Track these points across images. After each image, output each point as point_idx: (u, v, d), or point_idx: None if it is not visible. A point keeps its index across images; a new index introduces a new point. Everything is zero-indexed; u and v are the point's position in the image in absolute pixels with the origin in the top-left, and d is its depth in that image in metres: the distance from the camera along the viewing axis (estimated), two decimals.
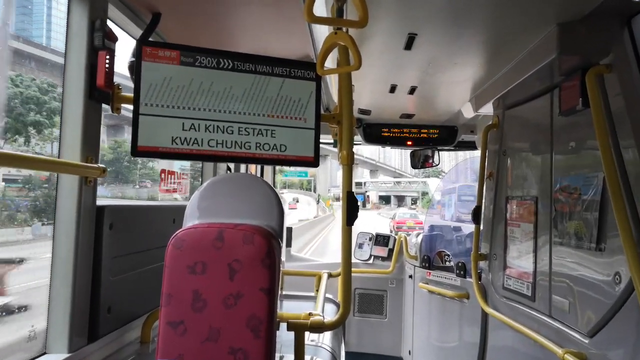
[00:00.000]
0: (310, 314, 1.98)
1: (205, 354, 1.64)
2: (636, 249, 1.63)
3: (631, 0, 1.76)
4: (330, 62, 2.25)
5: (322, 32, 2.07)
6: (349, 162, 1.92)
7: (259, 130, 2.07)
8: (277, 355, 2.04)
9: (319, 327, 1.92)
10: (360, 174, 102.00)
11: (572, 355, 1.96)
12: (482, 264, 3.18)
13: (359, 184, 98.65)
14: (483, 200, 3.21)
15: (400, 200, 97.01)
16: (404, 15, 1.95)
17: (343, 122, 1.98)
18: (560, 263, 2.25)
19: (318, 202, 61.48)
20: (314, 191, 71.11)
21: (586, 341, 1.98)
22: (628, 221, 1.67)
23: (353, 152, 1.94)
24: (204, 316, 1.66)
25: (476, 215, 3.22)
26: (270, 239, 1.73)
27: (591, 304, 1.98)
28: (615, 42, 1.86)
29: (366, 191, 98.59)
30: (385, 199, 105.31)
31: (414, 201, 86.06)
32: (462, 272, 3.66)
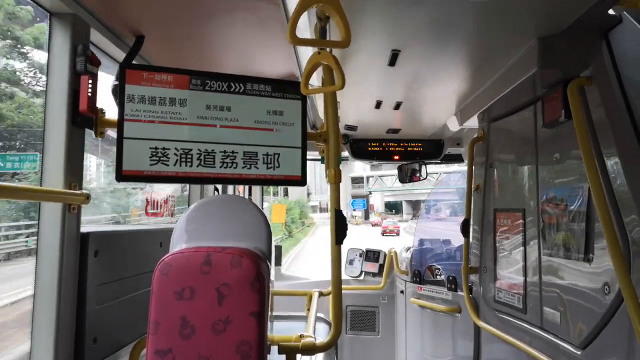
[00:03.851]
0: (301, 336, 1.95)
1: None
2: (623, 258, 1.64)
3: (608, 14, 1.80)
4: (317, 79, 2.26)
5: (307, 50, 2.08)
6: (336, 181, 1.91)
7: (246, 151, 2.06)
8: None
9: (310, 349, 1.89)
10: (358, 168, 68.77)
11: None
12: (473, 277, 3.18)
13: (358, 181, 71.95)
14: (471, 213, 3.22)
15: (415, 207, 64.85)
16: (387, 32, 1.97)
17: (329, 141, 1.98)
18: (550, 274, 2.25)
19: None
20: (286, 196, 51.22)
21: (578, 353, 1.97)
22: (614, 231, 1.68)
23: (340, 170, 1.93)
24: (193, 343, 1.62)
25: (465, 228, 3.22)
26: (259, 262, 1.71)
27: (582, 315, 1.98)
28: (594, 55, 1.89)
29: (370, 192, 71.01)
30: (393, 207, 74.72)
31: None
32: (453, 286, 3.66)
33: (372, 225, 52.52)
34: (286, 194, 52.06)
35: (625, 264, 1.63)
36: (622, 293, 1.61)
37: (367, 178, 71.02)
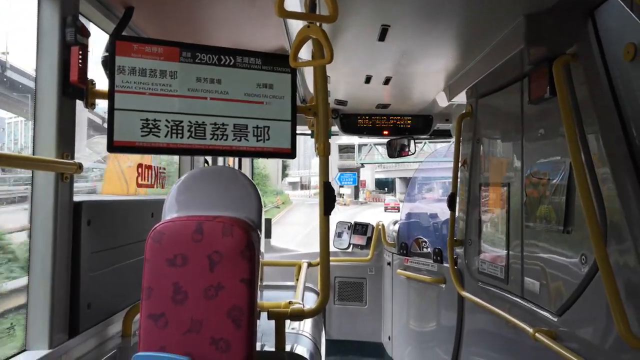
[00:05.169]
0: (290, 303, 2.02)
1: (187, 345, 1.67)
2: (600, 231, 1.71)
3: None
4: (307, 53, 2.27)
5: (297, 24, 2.09)
6: (325, 154, 1.95)
7: (236, 123, 2.09)
8: (259, 344, 2.07)
9: (299, 315, 1.97)
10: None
11: (542, 333, 2.04)
12: (458, 249, 3.27)
13: (347, 150, 59.49)
14: (458, 187, 3.28)
15: None
16: (376, 7, 1.98)
17: (319, 114, 2.01)
18: (532, 246, 2.33)
19: None
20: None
21: (555, 319, 2.07)
22: (592, 204, 1.74)
23: (329, 144, 1.97)
24: (185, 308, 1.68)
25: (451, 202, 3.29)
26: (250, 231, 1.76)
27: (560, 284, 2.06)
28: (579, 33, 1.92)
29: (362, 165, 58.87)
30: (384, 185, 65.70)
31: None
32: (438, 258, 3.75)
33: (387, 208, 39.44)
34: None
35: (601, 236, 1.70)
36: (597, 263, 1.68)
37: (359, 147, 58.02)
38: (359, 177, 52.79)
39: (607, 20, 1.84)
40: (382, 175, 64.27)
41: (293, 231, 22.07)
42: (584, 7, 1.89)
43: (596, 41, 1.85)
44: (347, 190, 52.65)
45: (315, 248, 1.97)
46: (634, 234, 1.64)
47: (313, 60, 1.87)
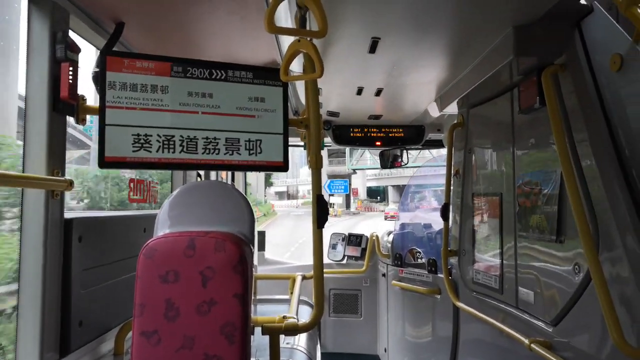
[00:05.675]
0: (284, 317, 2.00)
1: None
2: (592, 239, 1.71)
3: (579, 4, 1.86)
4: (298, 66, 2.28)
5: (289, 38, 2.10)
6: (317, 166, 1.95)
7: (228, 137, 2.09)
8: None
9: (293, 330, 1.95)
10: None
11: (537, 344, 2.04)
12: (453, 259, 3.27)
13: (338, 155, 49.18)
14: (451, 198, 3.29)
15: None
16: (367, 20, 2.00)
17: (311, 127, 2.01)
18: (525, 256, 2.33)
19: None
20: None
21: (550, 329, 2.06)
22: (584, 213, 1.75)
23: (322, 156, 1.97)
24: (178, 325, 1.66)
25: (444, 212, 3.30)
26: (242, 246, 1.75)
27: (554, 294, 2.06)
28: (567, 43, 1.95)
29: (354, 171, 54.74)
30: (375, 194, 63.16)
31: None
32: (433, 269, 3.75)
33: (387, 217, 37.84)
34: None
35: (594, 245, 1.70)
36: (590, 273, 1.68)
37: (350, 151, 49.55)
38: (350, 184, 48.95)
39: (593, 31, 1.86)
40: (374, 183, 62.14)
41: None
42: (571, 19, 1.92)
43: (583, 52, 1.88)
44: (338, 200, 49.65)
45: (308, 262, 1.95)
46: (625, 241, 1.65)
47: (304, 74, 1.88)
